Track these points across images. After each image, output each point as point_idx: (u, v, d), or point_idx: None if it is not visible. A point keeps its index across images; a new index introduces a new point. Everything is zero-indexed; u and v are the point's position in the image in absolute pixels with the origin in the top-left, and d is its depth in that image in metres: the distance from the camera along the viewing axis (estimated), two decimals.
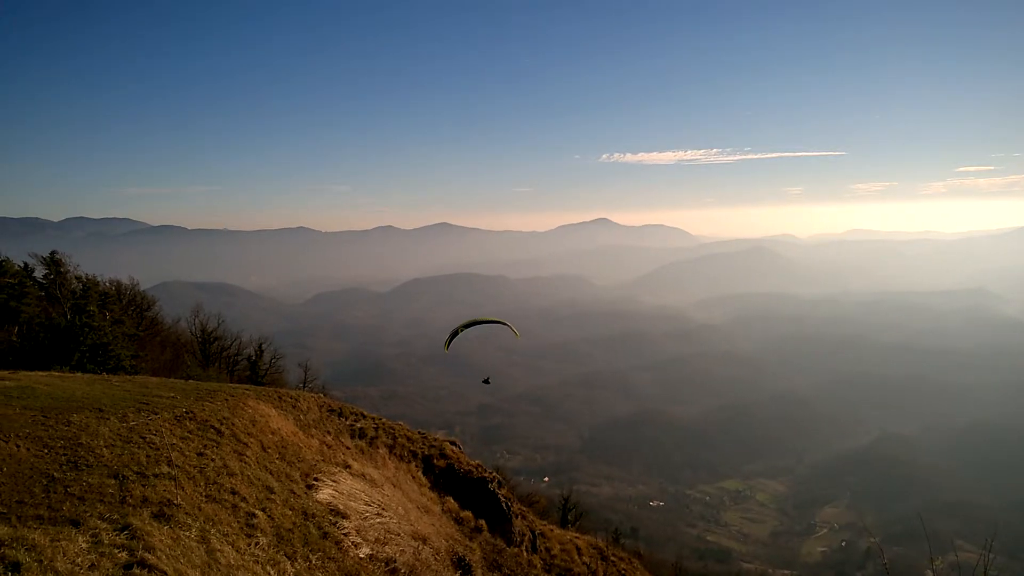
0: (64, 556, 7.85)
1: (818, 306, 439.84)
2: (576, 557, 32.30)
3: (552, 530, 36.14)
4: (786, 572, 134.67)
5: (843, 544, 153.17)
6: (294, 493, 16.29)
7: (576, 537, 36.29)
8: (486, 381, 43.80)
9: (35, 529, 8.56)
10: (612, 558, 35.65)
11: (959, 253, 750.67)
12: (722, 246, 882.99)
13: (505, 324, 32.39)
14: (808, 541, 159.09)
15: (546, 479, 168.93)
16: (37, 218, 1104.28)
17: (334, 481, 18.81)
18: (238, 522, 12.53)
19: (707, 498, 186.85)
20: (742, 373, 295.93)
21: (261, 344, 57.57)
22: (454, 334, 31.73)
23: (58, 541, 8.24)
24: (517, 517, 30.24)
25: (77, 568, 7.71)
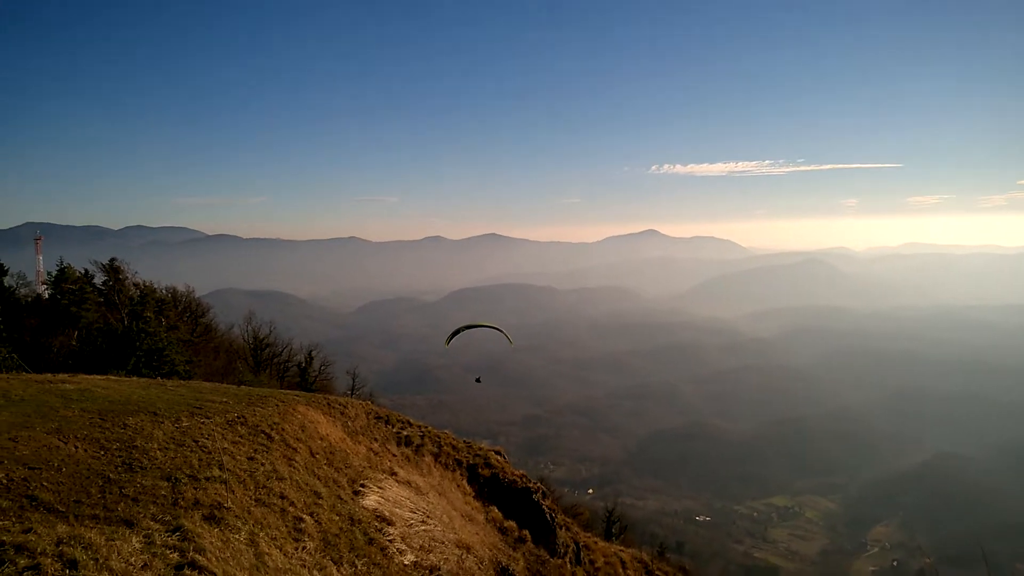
0: (119, 555, 8.04)
1: (873, 320, 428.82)
2: (620, 571, 31.98)
3: (596, 543, 35.84)
4: None
5: (894, 564, 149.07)
6: (341, 499, 16.45)
7: (620, 550, 35.94)
8: (477, 380, 45.44)
9: (91, 528, 8.80)
10: (657, 572, 35.22)
11: (1019, 267, 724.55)
12: (774, 258, 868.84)
13: (499, 330, 33.49)
14: (858, 560, 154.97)
15: (591, 491, 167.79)
16: (98, 226, 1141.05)
17: (380, 488, 18.95)
18: (286, 526, 12.70)
19: (755, 514, 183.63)
20: (794, 388, 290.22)
21: (311, 351, 58.43)
22: (455, 333, 33.07)
23: (113, 541, 8.44)
24: (561, 528, 30.07)
25: (131, 567, 7.89)
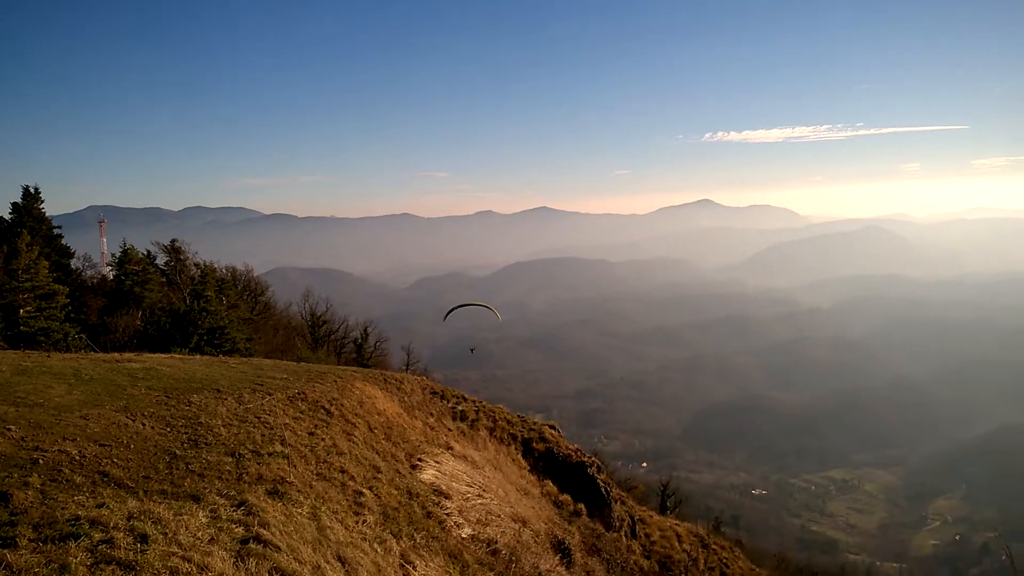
0: (186, 530, 8.25)
1: (936, 289, 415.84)
2: (676, 544, 31.91)
3: (651, 516, 35.83)
4: (895, 565, 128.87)
5: (957, 538, 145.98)
6: (399, 473, 16.67)
7: (676, 524, 35.85)
8: (472, 350, 46.13)
9: (160, 503, 9.04)
10: (713, 546, 35.06)
11: None
12: (832, 226, 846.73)
13: (489, 308, 35.60)
14: (919, 534, 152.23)
15: (644, 465, 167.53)
16: (158, 208, 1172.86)
17: (437, 462, 19.15)
18: (347, 500, 12.91)
19: (812, 487, 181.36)
20: (853, 359, 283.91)
21: (366, 328, 59.35)
22: (451, 311, 34.71)
23: (181, 515, 8.66)
24: (616, 502, 30.09)
25: (198, 541, 8.09)
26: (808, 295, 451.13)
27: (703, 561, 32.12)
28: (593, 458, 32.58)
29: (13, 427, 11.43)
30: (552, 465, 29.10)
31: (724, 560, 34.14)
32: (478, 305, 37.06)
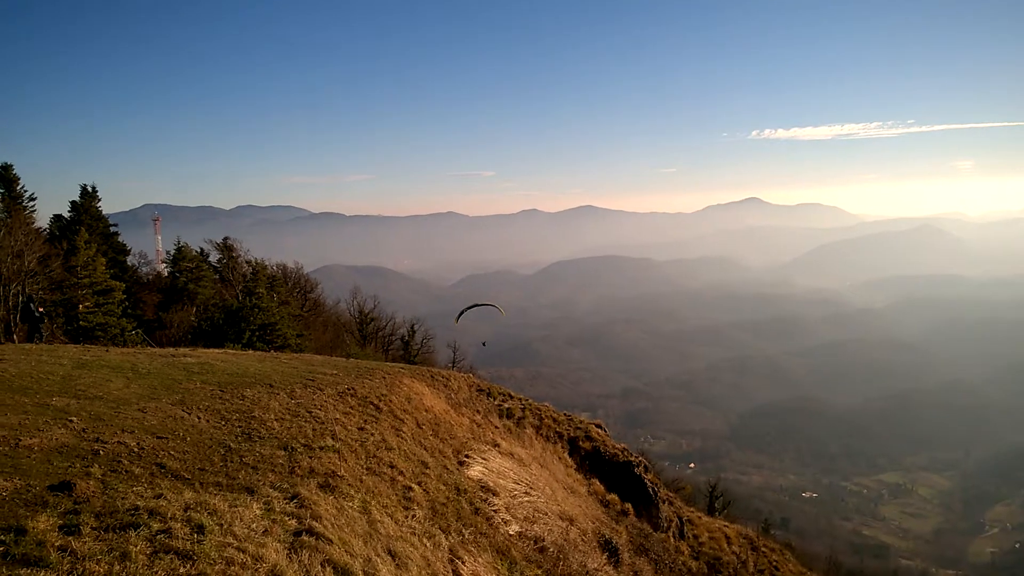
0: (241, 521, 8.38)
1: (991, 289, 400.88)
2: (725, 546, 31.51)
3: (700, 517, 35.43)
4: (950, 572, 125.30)
5: (1016, 546, 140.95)
6: (447, 469, 16.75)
7: (725, 526, 35.40)
8: (483, 344, 45.95)
9: (215, 495, 9.20)
10: (763, 548, 34.55)
11: None
12: (884, 225, 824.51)
13: (495, 306, 37.82)
14: (976, 541, 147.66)
15: (692, 465, 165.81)
16: (211, 207, 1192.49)
17: (484, 459, 19.18)
18: (396, 495, 13.01)
19: (864, 491, 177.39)
20: (905, 360, 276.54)
21: (413, 325, 59.81)
22: (462, 312, 35.59)
23: (235, 507, 8.80)
24: (664, 503, 29.84)
25: (252, 533, 8.21)
26: (859, 295, 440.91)
27: (752, 563, 31.65)
28: (640, 458, 32.35)
29: (75, 419, 11.76)
30: (598, 464, 28.97)
31: (774, 563, 33.62)
32: (486, 305, 38.47)
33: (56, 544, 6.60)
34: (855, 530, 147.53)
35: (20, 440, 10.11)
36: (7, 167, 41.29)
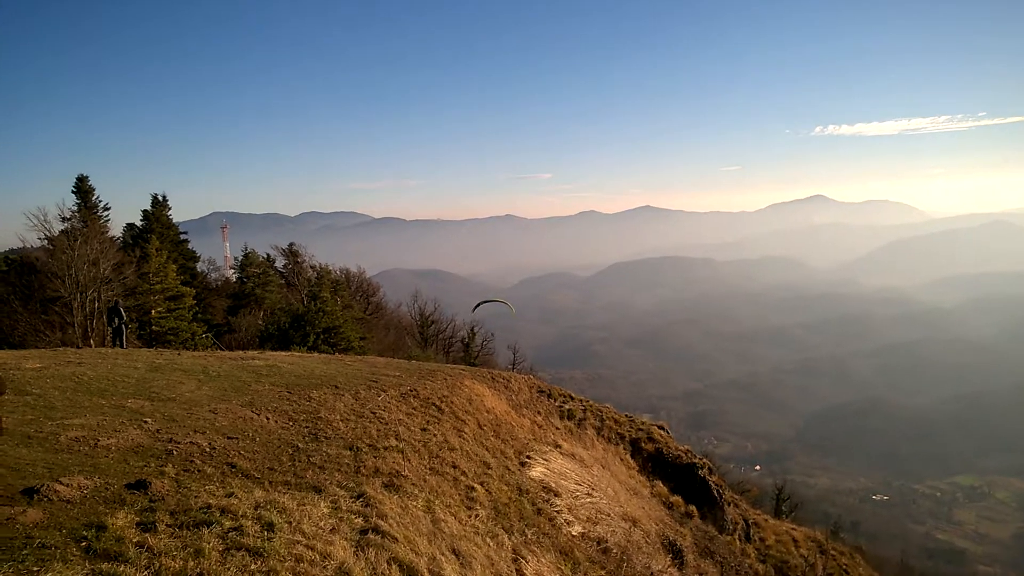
0: (309, 519, 8.56)
1: None
2: (792, 549, 30.77)
3: (766, 520, 34.67)
4: None
5: None
6: (508, 469, 16.76)
7: (792, 529, 34.59)
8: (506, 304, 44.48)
9: (284, 494, 9.41)
10: (831, 552, 33.62)
11: None
12: (955, 221, 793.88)
13: (506, 303, 38.14)
14: None
15: (757, 468, 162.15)
16: (276, 213, 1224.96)
17: (545, 460, 19.14)
18: (459, 494, 13.08)
19: (937, 494, 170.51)
20: (978, 360, 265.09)
21: (473, 327, 60.04)
22: (478, 304, 36.92)
23: (304, 506, 8.99)
24: (729, 505, 29.32)
25: (320, 531, 8.38)
26: (928, 294, 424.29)
27: (821, 567, 30.81)
28: (704, 460, 31.87)
29: (149, 420, 12.18)
30: (661, 466, 28.64)
31: (844, 566, 32.68)
32: (499, 301, 38.90)
33: (134, 540, 6.85)
34: (928, 534, 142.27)
35: (99, 440, 10.52)
36: (83, 179, 42.80)
